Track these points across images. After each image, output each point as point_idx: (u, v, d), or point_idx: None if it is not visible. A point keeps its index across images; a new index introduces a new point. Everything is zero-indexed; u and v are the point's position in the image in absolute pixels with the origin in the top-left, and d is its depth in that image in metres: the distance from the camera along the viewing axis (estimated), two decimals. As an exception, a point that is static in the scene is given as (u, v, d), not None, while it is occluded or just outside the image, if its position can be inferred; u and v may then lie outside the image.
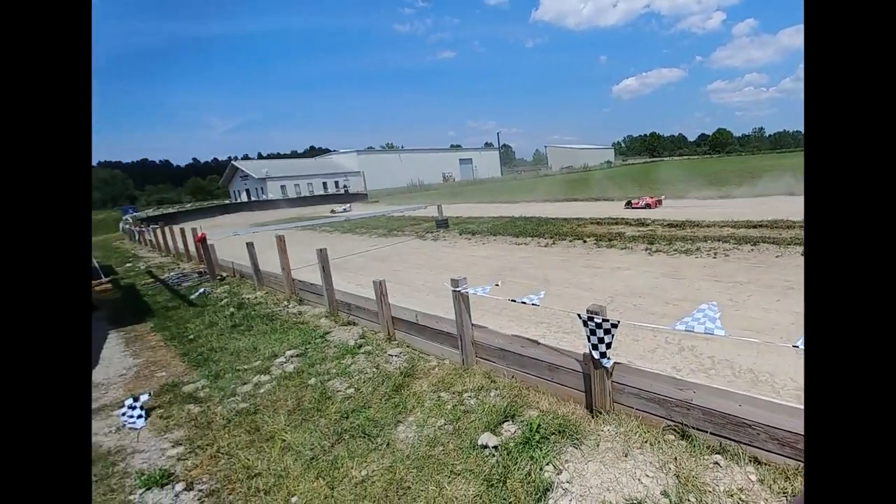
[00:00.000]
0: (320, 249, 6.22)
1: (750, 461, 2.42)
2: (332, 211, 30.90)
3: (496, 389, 3.64)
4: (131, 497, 2.82)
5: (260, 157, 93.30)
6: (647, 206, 15.44)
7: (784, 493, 2.19)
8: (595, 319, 2.89)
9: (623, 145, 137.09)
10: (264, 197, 50.36)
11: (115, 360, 5.47)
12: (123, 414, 3.80)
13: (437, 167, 67.41)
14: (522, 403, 3.40)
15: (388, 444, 3.08)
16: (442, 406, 3.49)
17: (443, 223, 14.60)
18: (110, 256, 17.92)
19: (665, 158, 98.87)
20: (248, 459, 3.06)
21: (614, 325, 2.86)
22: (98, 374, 5.03)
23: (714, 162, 57.74)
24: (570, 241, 10.41)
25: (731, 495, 2.22)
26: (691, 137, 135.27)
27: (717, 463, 2.42)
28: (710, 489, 2.26)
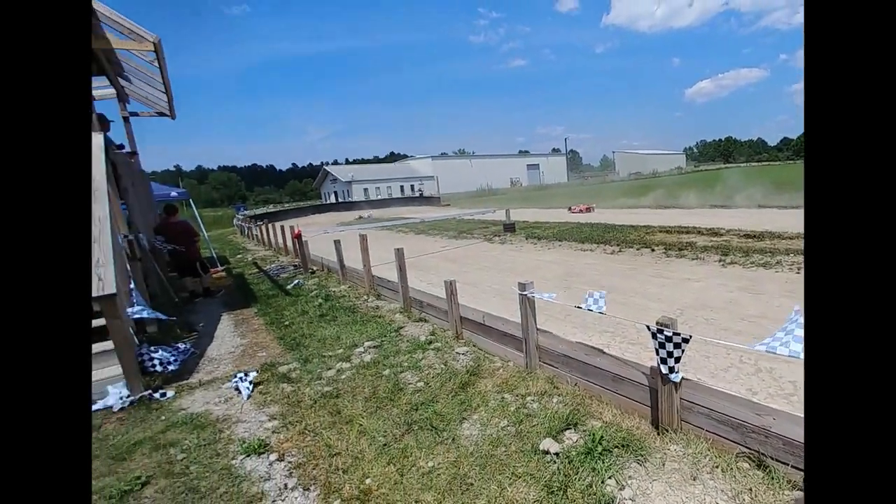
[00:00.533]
0: (398, 249, 6.41)
1: None
2: (360, 217, 31.86)
3: (559, 396, 3.51)
4: (233, 461, 3.10)
5: (347, 162, 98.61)
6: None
7: None
8: (665, 332, 2.66)
9: (696, 150, 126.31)
10: (350, 199, 53.19)
11: (227, 339, 6.05)
12: (235, 384, 4.20)
13: (505, 172, 66.85)
14: (585, 412, 3.24)
15: (453, 440, 3.09)
16: (505, 407, 3.43)
17: (510, 227, 14.42)
18: (225, 248, 19.92)
19: (742, 164, 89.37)
20: (330, 439, 3.23)
21: (685, 340, 2.62)
22: (212, 351, 5.60)
23: (793, 168, 51.17)
24: (637, 249, 9.78)
25: None
26: (772, 142, 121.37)
27: (798, 500, 2.12)
28: None
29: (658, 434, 2.87)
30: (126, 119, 9.81)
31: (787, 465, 2.32)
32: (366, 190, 56.21)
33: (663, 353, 2.71)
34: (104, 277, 4.23)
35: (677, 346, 2.64)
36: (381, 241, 13.36)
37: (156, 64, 6.75)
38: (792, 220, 11.56)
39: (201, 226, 15.28)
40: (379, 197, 53.92)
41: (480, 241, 13.90)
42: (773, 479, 2.29)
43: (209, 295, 9.01)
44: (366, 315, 6.35)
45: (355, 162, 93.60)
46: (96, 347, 4.49)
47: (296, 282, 9.46)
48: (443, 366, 4.30)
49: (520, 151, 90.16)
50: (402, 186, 59.48)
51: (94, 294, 4.10)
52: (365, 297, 7.44)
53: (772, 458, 2.38)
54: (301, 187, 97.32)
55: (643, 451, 2.69)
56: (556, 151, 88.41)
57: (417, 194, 54.42)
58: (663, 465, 2.55)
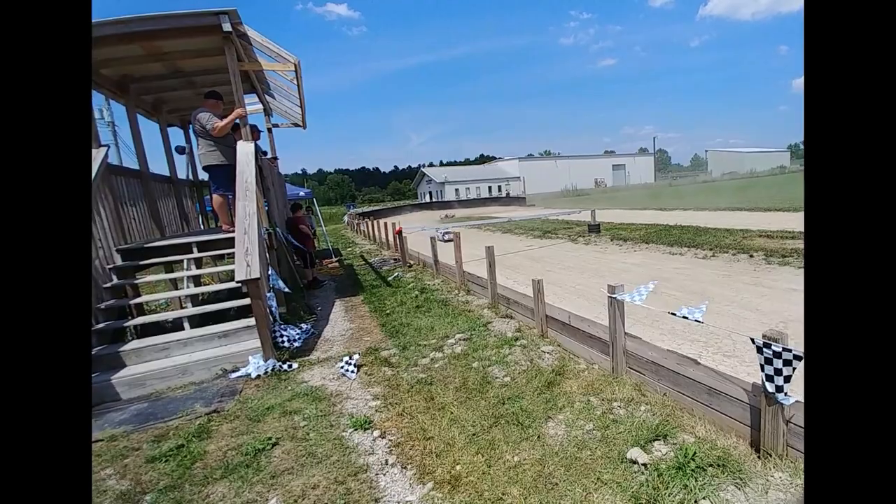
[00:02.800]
0: (488, 247, 6.41)
1: None
2: (445, 216, 30.69)
3: (646, 404, 3.22)
4: (344, 434, 3.34)
5: (441, 164, 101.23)
6: None
7: None
8: (773, 347, 2.28)
9: (802, 147, 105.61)
10: (442, 198, 54.63)
11: (339, 323, 6.62)
12: (342, 367, 4.56)
13: (589, 173, 63.09)
14: (675, 425, 2.92)
15: (538, 437, 3.01)
16: (591, 410, 3.25)
17: (594, 228, 13.57)
18: (338, 242, 21.79)
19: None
20: (425, 423, 3.34)
21: (798, 358, 2.20)
22: (328, 332, 6.16)
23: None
24: (733, 255, 8.53)
25: None
26: None
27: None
28: None
29: (759, 458, 2.48)
30: (270, 130, 11.18)
31: None
32: (457, 190, 57.19)
33: (770, 369, 2.33)
34: (251, 264, 4.82)
35: (787, 363, 2.25)
36: (469, 239, 13.49)
37: (294, 82, 7.55)
38: None
39: (321, 221, 16.89)
40: (469, 196, 54.49)
41: (564, 241, 13.30)
42: None
43: (313, 286, 9.42)
44: (456, 308, 6.47)
45: (449, 164, 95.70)
46: (242, 323, 5.19)
47: (396, 274, 9.99)
48: (528, 363, 4.21)
49: (605, 152, 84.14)
50: (490, 187, 59.38)
51: (244, 277, 4.71)
52: (456, 291, 7.58)
53: None
54: (401, 187, 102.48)
55: (742, 475, 2.35)
56: (643, 151, 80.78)
57: (504, 194, 53.89)
58: (766, 492, 2.20)
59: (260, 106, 9.62)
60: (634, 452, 2.67)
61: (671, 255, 9.41)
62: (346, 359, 4.62)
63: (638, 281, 3.60)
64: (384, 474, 2.82)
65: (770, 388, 2.37)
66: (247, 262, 4.84)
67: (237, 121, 6.10)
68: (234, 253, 5.02)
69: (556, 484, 2.51)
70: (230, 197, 6.32)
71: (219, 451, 3.19)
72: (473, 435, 3.11)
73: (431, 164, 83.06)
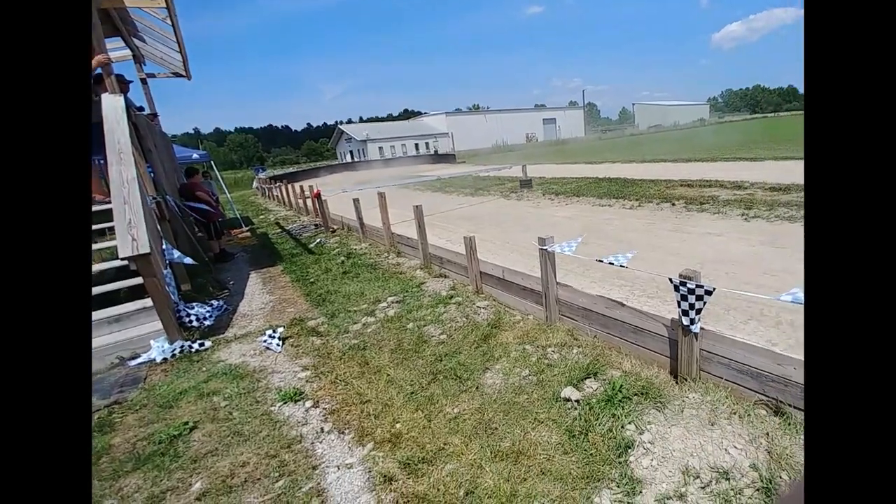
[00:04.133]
0: (416, 206, 6.38)
1: None
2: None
3: (579, 347, 3.56)
4: (272, 408, 3.29)
5: (361, 120, 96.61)
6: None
7: None
8: (688, 284, 2.63)
9: (720, 101, 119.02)
10: (365, 158, 52.61)
11: (256, 296, 6.26)
12: (264, 341, 4.37)
13: (520, 127, 64.62)
14: (605, 363, 3.29)
15: (477, 388, 3.20)
16: (526, 358, 3.51)
17: (526, 183, 14.12)
18: (248, 209, 20.18)
19: (769, 115, 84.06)
20: (360, 387, 3.38)
21: (708, 293, 2.58)
22: (244, 307, 5.82)
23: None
24: (657, 204, 9.50)
25: None
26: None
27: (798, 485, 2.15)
28: None
29: (677, 383, 2.91)
30: (144, 81, 9.68)
31: (804, 411, 2.32)
32: (381, 148, 55.37)
33: (685, 305, 2.69)
34: (138, 237, 4.33)
35: (699, 298, 2.62)
36: (398, 200, 13.29)
37: (168, 21, 6.54)
38: None
39: (224, 187, 15.42)
40: (394, 155, 53.14)
41: (497, 198, 13.70)
42: (789, 424, 2.33)
43: (222, 259, 8.81)
44: (387, 272, 6.44)
45: (370, 120, 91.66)
46: (136, 304, 4.70)
47: (318, 240, 9.59)
48: (464, 319, 4.38)
49: (536, 105, 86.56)
50: (416, 144, 58.31)
51: (130, 254, 4.23)
52: (385, 254, 7.51)
53: (790, 406, 2.41)
54: (317, 147, 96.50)
55: (662, 399, 2.74)
56: (573, 105, 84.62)
57: (433, 152, 53.42)
58: (682, 411, 2.60)
59: (127, 52, 8.26)
60: (568, 391, 2.97)
61: (601, 207, 10.20)
62: (269, 332, 4.43)
63: (570, 233, 3.89)
64: (321, 442, 2.83)
65: (685, 321, 2.74)
66: (131, 235, 4.32)
67: (99, 70, 5.16)
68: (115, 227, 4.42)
69: (496, 429, 2.72)
70: (100, 162, 5.45)
71: (126, 443, 2.99)
72: (412, 393, 3.21)
73: (350, 121, 79.10)
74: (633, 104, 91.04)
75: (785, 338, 3.52)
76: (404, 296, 5.27)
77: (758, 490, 2.00)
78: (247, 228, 13.27)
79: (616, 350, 3.45)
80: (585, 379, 3.12)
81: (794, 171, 11.69)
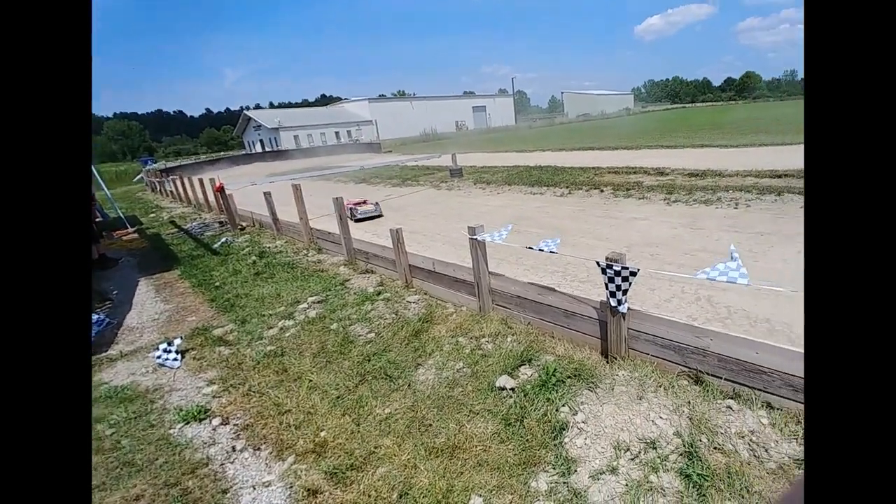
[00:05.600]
0: (336, 198, 6.19)
1: (763, 406, 2.46)
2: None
3: (513, 335, 3.70)
4: (171, 431, 3.01)
5: (272, 106, 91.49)
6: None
7: (795, 436, 2.24)
8: (614, 267, 2.85)
9: (643, 91, 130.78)
10: (278, 147, 49.94)
11: (148, 306, 5.68)
12: (158, 357, 3.98)
13: (450, 115, 65.42)
14: (539, 349, 3.46)
15: (409, 385, 3.19)
16: (460, 350, 3.57)
17: (457, 172, 14.36)
18: (135, 207, 18.20)
19: (687, 105, 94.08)
20: (279, 397, 3.21)
21: (633, 273, 2.83)
22: (132, 319, 5.25)
23: (735, 109, 55.04)
24: (587, 191, 10.18)
25: (742, 437, 2.27)
26: (717, 82, 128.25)
27: (729, 407, 2.47)
28: (722, 431, 2.31)
29: (608, 362, 3.14)
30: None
31: (721, 378, 2.66)
32: (296, 137, 52.85)
33: (612, 286, 2.92)
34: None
35: (625, 279, 2.85)
36: (317, 192, 12.81)
37: None
38: (730, 159, 12.48)
39: (101, 182, 13.75)
40: (312, 144, 51.04)
41: (426, 188, 13.77)
42: (708, 391, 2.62)
43: (104, 266, 7.95)
44: (307, 270, 6.19)
45: (282, 106, 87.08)
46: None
47: (223, 240, 8.93)
48: (393, 315, 4.35)
49: (465, 92, 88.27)
50: (337, 133, 56.54)
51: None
52: (305, 251, 7.21)
53: (708, 374, 2.72)
54: (219, 136, 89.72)
55: (594, 379, 2.94)
56: (503, 92, 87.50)
57: (354, 141, 52.19)
58: (612, 389, 2.81)
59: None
60: (502, 380, 3.08)
61: (532, 195, 10.70)
62: (164, 346, 4.03)
63: (501, 222, 4.00)
64: (232, 462, 2.65)
65: (613, 302, 2.97)
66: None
67: None
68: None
69: (430, 425, 2.74)
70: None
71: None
72: (338, 398, 3.12)
73: (259, 107, 74.34)
74: (562, 93, 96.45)
75: (703, 312, 3.96)
76: (327, 295, 5.10)
77: (681, 455, 2.23)
78: (133, 229, 11.97)
79: (549, 335, 3.64)
80: (520, 366, 3.26)
81: (708, 157, 13.18)
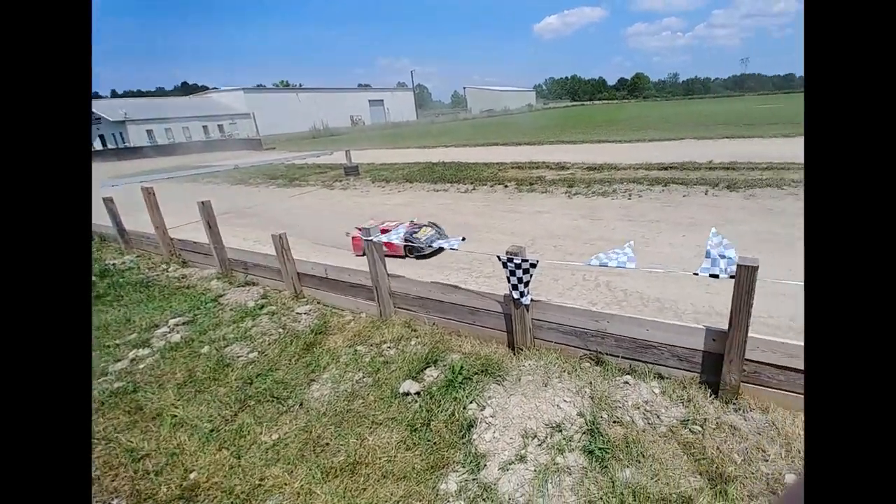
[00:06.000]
0: (202, 202, 5.75)
1: (654, 377, 2.86)
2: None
3: (417, 338, 3.78)
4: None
5: (115, 94, 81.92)
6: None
7: (681, 400, 2.65)
8: (514, 260, 3.08)
9: (545, 88, 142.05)
10: (125, 144, 44.82)
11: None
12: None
13: (343, 109, 64.41)
14: (444, 348, 3.57)
15: (301, 405, 3.09)
16: (359, 359, 3.55)
17: (353, 170, 14.19)
18: None
19: (585, 103, 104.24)
20: (132, 441, 2.90)
21: (533, 265, 3.09)
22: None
23: (628, 107, 62.45)
24: (491, 187, 10.74)
25: (638, 407, 2.61)
26: (611, 81, 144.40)
27: (626, 382, 2.83)
28: (620, 405, 2.64)
29: (514, 354, 3.36)
30: None
31: (618, 356, 3.03)
32: (149, 132, 47.88)
33: (514, 279, 3.15)
34: None
35: (526, 271, 3.10)
36: (181, 198, 11.75)
37: None
38: (624, 153, 14.14)
39: None
40: (172, 140, 46.62)
41: (318, 188, 13.41)
42: (607, 370, 2.96)
43: None
44: (167, 288, 5.65)
45: (130, 94, 78.33)
46: None
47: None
48: (280, 330, 4.17)
49: (360, 85, 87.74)
50: (205, 127, 52.41)
51: None
52: (164, 266, 6.57)
53: (607, 354, 3.07)
54: (40, 131, 77.68)
55: (501, 372, 3.12)
56: (402, 86, 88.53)
57: (228, 136, 48.84)
58: (519, 379, 3.01)
59: None
60: (407, 385, 3.13)
61: (436, 192, 11.00)
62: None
63: (404, 221, 4.07)
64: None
65: (516, 294, 3.21)
66: None
67: None
68: None
69: (327, 444, 2.68)
70: None
71: None
72: (212, 431, 2.90)
73: (99, 95, 66.00)
74: (465, 88, 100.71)
75: (603, 297, 4.43)
76: (195, 314, 4.71)
77: (584, 433, 2.49)
78: None
79: (455, 333, 3.79)
80: (425, 369, 3.34)
81: (605, 152, 14.76)
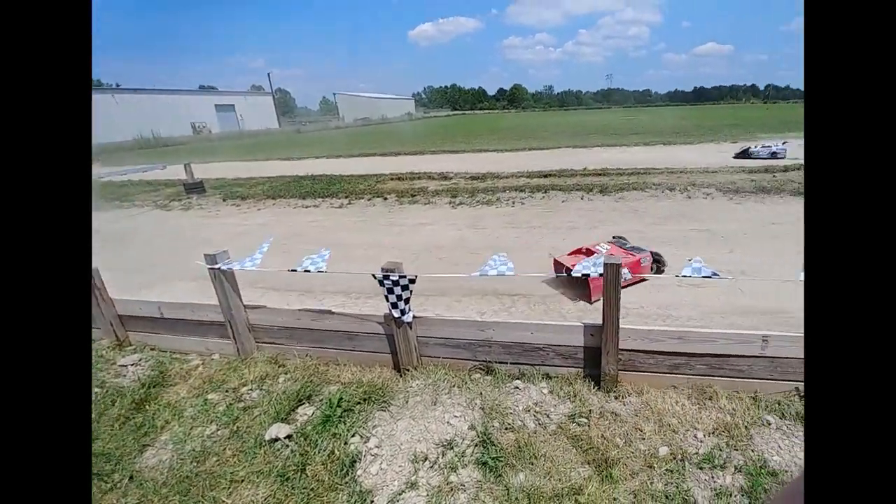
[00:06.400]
0: None
1: (542, 378, 3.12)
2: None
3: (286, 374, 3.62)
4: None
5: None
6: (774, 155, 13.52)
7: (568, 396, 2.95)
8: (391, 277, 3.12)
9: (424, 97, 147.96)
10: None
11: None
12: None
13: (182, 115, 59.93)
14: (320, 381, 3.47)
15: (130, 478, 2.76)
16: (211, 410, 3.29)
17: (195, 187, 13.20)
18: None
19: (467, 112, 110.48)
20: None
21: (412, 281, 3.16)
22: None
23: (508, 117, 67.62)
24: (369, 200, 10.78)
25: (529, 410, 2.81)
26: (491, 91, 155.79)
27: (517, 387, 3.03)
28: (512, 410, 2.80)
29: (401, 376, 3.39)
30: None
31: (507, 363, 3.23)
32: None
33: (392, 297, 3.20)
34: None
35: (405, 287, 3.16)
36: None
37: None
38: (506, 162, 15.36)
39: None
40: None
41: (150, 210, 12.25)
42: (497, 378, 3.13)
43: None
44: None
45: None
46: None
47: None
48: (97, 390, 3.70)
49: (202, 87, 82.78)
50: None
51: None
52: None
53: (497, 363, 3.25)
54: None
55: (386, 398, 3.11)
56: (257, 89, 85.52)
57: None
58: (407, 402, 3.03)
59: None
60: (274, 430, 2.96)
61: (304, 209, 10.72)
62: None
63: (261, 243, 3.89)
64: None
65: (396, 313, 3.24)
66: None
67: None
68: None
69: (170, 519, 2.42)
70: None
71: None
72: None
73: None
74: (336, 94, 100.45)
75: (491, 306, 4.67)
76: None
77: (477, 445, 2.60)
78: None
79: (333, 363, 3.69)
80: (297, 407, 3.20)
81: (487, 161, 15.77)
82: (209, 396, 3.45)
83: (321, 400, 3.23)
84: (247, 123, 66.55)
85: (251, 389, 3.49)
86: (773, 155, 13.02)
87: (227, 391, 3.50)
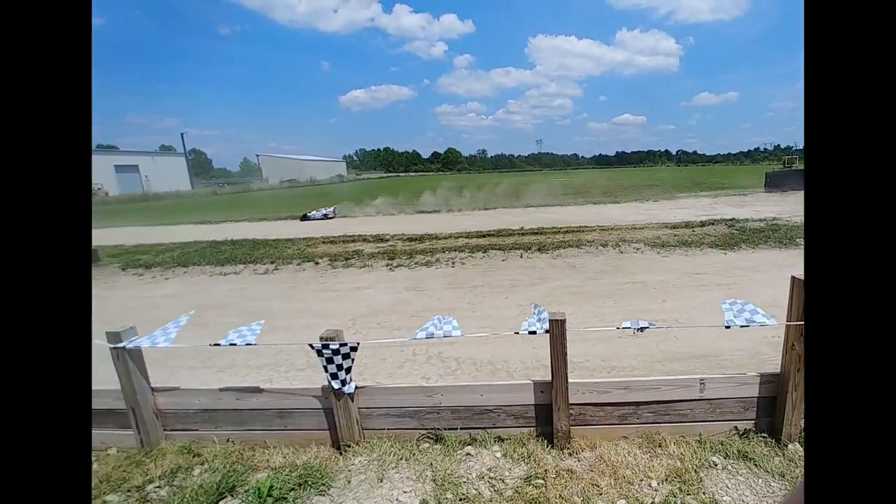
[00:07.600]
0: None
1: (495, 441, 3.10)
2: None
3: (203, 464, 3.35)
4: None
5: None
6: (325, 216, 20.86)
7: (522, 458, 2.95)
8: (331, 346, 3.06)
9: (356, 159, 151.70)
10: None
11: None
12: None
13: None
14: (245, 468, 3.23)
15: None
16: (112, 514, 2.99)
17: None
18: None
19: (401, 174, 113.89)
20: None
21: (353, 349, 3.11)
22: None
23: (443, 178, 70.47)
24: (299, 265, 10.60)
25: (482, 477, 2.77)
26: (425, 154, 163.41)
27: (468, 454, 2.99)
28: (465, 479, 2.75)
29: (341, 453, 3.24)
30: None
31: (457, 428, 3.19)
32: None
33: (332, 367, 3.13)
34: None
35: (346, 356, 3.11)
36: None
37: None
38: (444, 223, 15.86)
39: None
40: None
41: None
42: (448, 446, 3.07)
43: None
44: None
45: None
46: None
47: None
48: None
49: (100, 146, 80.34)
50: None
51: None
52: None
53: (446, 429, 3.19)
54: None
55: (325, 480, 2.96)
56: (167, 149, 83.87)
57: None
58: (349, 482, 2.90)
59: None
60: (193, 531, 2.73)
61: (223, 276, 10.34)
62: None
63: (172, 317, 3.71)
64: None
65: (336, 384, 3.16)
66: None
67: None
68: None
69: None
70: None
71: None
72: None
73: None
74: (258, 155, 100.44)
75: (436, 369, 4.66)
76: None
77: None
78: None
79: (261, 446, 3.48)
80: (219, 502, 2.98)
81: (424, 222, 16.09)
82: (106, 499, 3.14)
83: (247, 491, 3.01)
84: (154, 185, 64.74)
85: (159, 486, 3.19)
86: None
87: (127, 491, 3.17)
